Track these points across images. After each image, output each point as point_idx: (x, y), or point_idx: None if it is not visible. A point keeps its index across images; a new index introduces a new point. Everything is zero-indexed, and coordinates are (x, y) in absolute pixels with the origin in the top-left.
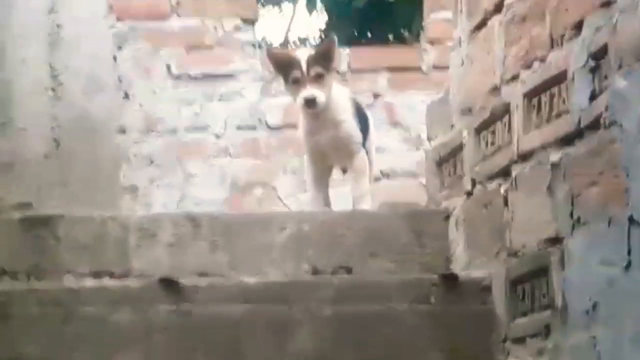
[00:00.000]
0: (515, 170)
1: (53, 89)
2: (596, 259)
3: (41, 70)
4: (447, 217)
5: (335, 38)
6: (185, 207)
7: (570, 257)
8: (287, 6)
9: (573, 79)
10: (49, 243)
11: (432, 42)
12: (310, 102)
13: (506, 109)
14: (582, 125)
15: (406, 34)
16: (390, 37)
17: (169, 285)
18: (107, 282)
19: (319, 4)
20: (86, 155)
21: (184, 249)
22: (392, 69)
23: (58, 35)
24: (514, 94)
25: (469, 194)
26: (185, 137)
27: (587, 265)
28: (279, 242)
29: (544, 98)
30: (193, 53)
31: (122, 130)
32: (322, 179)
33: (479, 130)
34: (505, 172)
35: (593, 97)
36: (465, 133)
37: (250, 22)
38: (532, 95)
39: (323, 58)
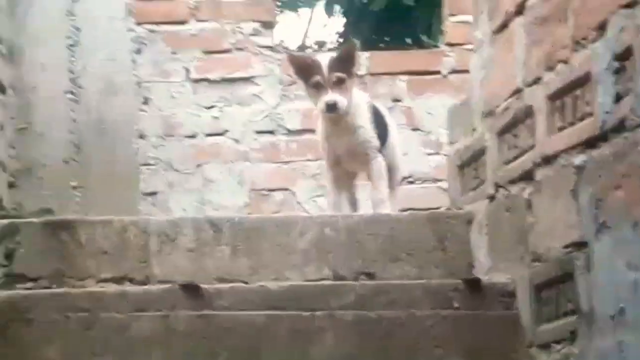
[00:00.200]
0: (538, 174)
1: (72, 93)
2: (622, 263)
3: (60, 74)
4: (470, 222)
5: (357, 42)
6: (204, 212)
7: (595, 261)
8: (305, 11)
9: (597, 80)
10: (70, 248)
11: (451, 46)
12: (331, 107)
13: (529, 112)
14: (606, 128)
15: (424, 37)
16: (409, 41)
17: (190, 290)
18: (128, 287)
19: (336, 8)
20: (105, 159)
21: (205, 254)
22: (411, 73)
23: (77, 38)
24: (536, 96)
25: (492, 198)
26: (204, 141)
27: (612, 269)
28: (300, 246)
29: (568, 100)
30: (212, 57)
31: (141, 135)
32: (341, 183)
33: (501, 134)
34: (528, 176)
35: (617, 99)
36: (487, 136)
37: (269, 25)
38: (555, 97)
39: (344, 62)
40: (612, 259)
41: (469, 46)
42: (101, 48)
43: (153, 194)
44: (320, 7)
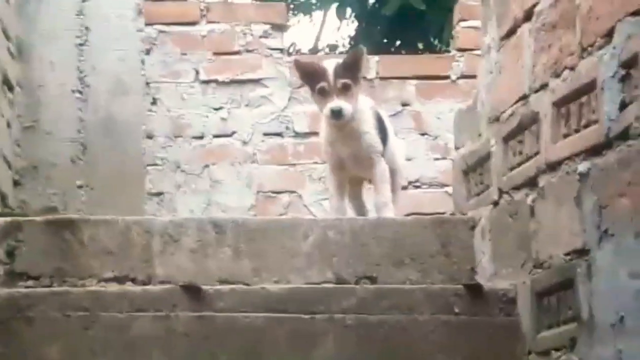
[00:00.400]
0: (542, 181)
1: (80, 92)
2: (623, 272)
3: (68, 72)
4: (473, 227)
5: (364, 48)
6: (211, 214)
7: (597, 269)
8: (317, 14)
9: (603, 88)
10: (73, 247)
11: (461, 51)
12: (336, 114)
13: (535, 118)
14: (611, 136)
15: (436, 42)
16: (421, 45)
17: (191, 291)
18: (129, 287)
19: (348, 12)
20: (112, 159)
21: (207, 255)
22: (420, 78)
23: (86, 37)
24: (542, 102)
25: (496, 203)
26: (212, 142)
27: (614, 277)
28: (303, 249)
29: (573, 107)
30: (221, 58)
31: (150, 135)
32: (345, 188)
33: (507, 139)
34: (532, 182)
35: (623, 106)
36: (493, 142)
37: (279, 28)
38: (561, 104)
39: (350, 68)
40: (614, 267)
41: (479, 51)
42: (110, 48)
43: (160, 194)
44: (333, 11)
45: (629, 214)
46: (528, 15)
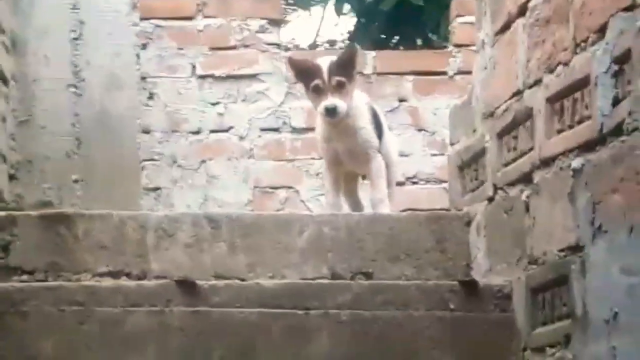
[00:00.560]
0: (537, 177)
1: (75, 86)
2: (617, 268)
3: (63, 66)
4: (469, 223)
5: (358, 46)
6: (208, 209)
7: (590, 265)
8: (316, 10)
9: (596, 83)
10: (67, 241)
11: (458, 47)
12: (331, 112)
13: (529, 114)
14: (604, 131)
15: (434, 38)
16: (419, 41)
17: (186, 286)
18: (124, 282)
19: (346, 7)
20: (107, 153)
21: (202, 250)
22: (417, 73)
23: (81, 32)
24: (536, 98)
25: (491, 199)
26: (209, 137)
27: (607, 274)
28: (298, 244)
29: (567, 103)
30: (218, 53)
31: (146, 130)
32: (340, 184)
33: (501, 135)
34: (527, 178)
35: (616, 102)
36: (487, 137)
37: (276, 22)
38: (554, 100)
39: (345, 66)
40: (607, 264)
41: (476, 47)
42: (105, 42)
43: (157, 189)
44: (332, 6)
45: (622, 210)
46: (522, 11)
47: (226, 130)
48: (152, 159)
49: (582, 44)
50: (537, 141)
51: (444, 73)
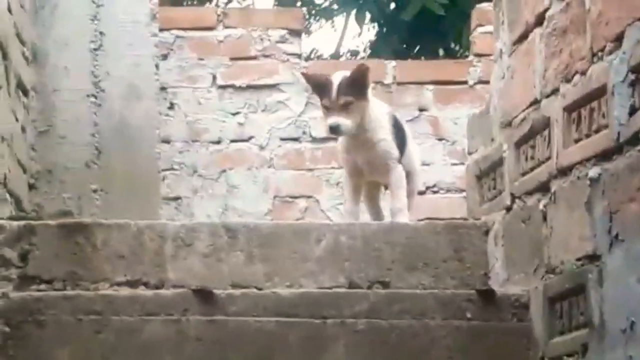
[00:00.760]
0: (554, 186)
1: (94, 97)
2: (634, 277)
3: (83, 77)
4: (487, 232)
5: (368, 65)
6: (228, 219)
7: (607, 274)
8: (339, 20)
9: (613, 93)
10: (86, 251)
11: (478, 56)
12: (334, 130)
13: (546, 123)
14: (621, 141)
15: (456, 47)
16: (440, 50)
17: (203, 296)
18: (141, 291)
19: (368, 17)
20: (126, 163)
21: (220, 260)
22: (438, 83)
23: (100, 42)
24: (554, 107)
25: (509, 209)
26: (229, 147)
27: (624, 283)
28: (316, 254)
29: (584, 112)
30: (238, 63)
31: (167, 140)
32: (359, 193)
33: (518, 144)
34: (544, 187)
35: (633, 111)
36: (505, 147)
37: (297, 33)
38: (572, 109)
39: (355, 84)
40: (624, 273)
41: (493, 57)
42: (125, 53)
43: (177, 199)
44: (354, 16)
45: (639, 219)
46: (539, 20)
47: (246, 140)
48: (173, 169)
49: (599, 54)
50: (554, 150)
51: (465, 82)
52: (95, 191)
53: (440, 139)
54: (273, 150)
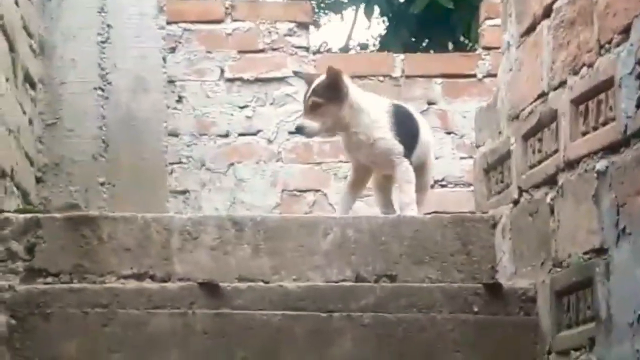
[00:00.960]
0: (561, 179)
1: (102, 89)
2: None
3: (90, 70)
4: (494, 226)
5: (340, 70)
6: (236, 212)
7: (614, 268)
8: (349, 13)
9: (620, 85)
10: (92, 244)
11: (487, 49)
12: (298, 130)
13: (553, 116)
14: (628, 133)
15: (466, 41)
16: (450, 44)
17: (209, 289)
18: (147, 284)
19: (377, 11)
20: (133, 156)
21: (227, 253)
22: (446, 76)
23: (107, 35)
24: (561, 100)
25: (516, 202)
26: (237, 141)
27: (631, 276)
28: (322, 247)
29: (591, 105)
30: (246, 56)
31: (175, 133)
32: (357, 186)
33: (526, 137)
34: (552, 181)
35: None
36: (512, 140)
37: (305, 26)
38: (579, 102)
39: (327, 88)
40: (631, 266)
41: (501, 49)
42: (132, 45)
43: (185, 192)
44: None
45: None
46: (547, 12)
47: (254, 134)
48: (181, 162)
49: (607, 46)
50: (561, 143)
51: (473, 76)
52: (102, 184)
53: (448, 133)
54: (281, 143)
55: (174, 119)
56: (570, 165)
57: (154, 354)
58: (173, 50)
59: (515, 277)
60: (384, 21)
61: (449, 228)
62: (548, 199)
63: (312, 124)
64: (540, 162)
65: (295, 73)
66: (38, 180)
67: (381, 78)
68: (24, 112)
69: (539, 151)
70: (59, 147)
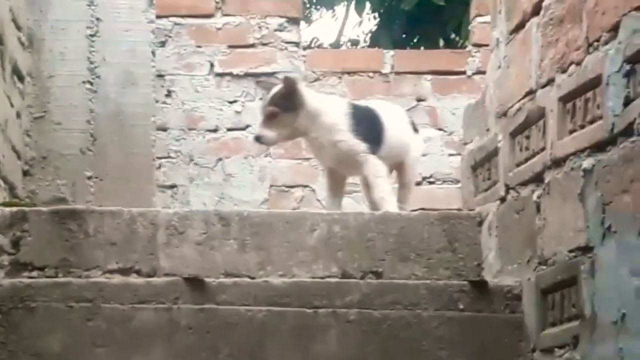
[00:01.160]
0: (548, 177)
1: (90, 83)
2: (626, 269)
3: (78, 63)
4: (480, 223)
5: (297, 77)
6: (224, 207)
7: (599, 266)
8: (340, 9)
9: (607, 83)
10: (78, 238)
11: (477, 46)
12: (256, 139)
13: (541, 114)
14: (615, 132)
15: (457, 38)
16: (441, 41)
17: (195, 284)
18: (132, 279)
19: (368, 6)
20: (121, 150)
21: (213, 248)
22: (436, 73)
23: (97, 29)
24: (549, 98)
25: (503, 199)
26: (226, 135)
27: (616, 275)
28: (309, 243)
29: (579, 103)
30: (236, 51)
31: (164, 128)
32: (336, 189)
33: (514, 135)
34: (538, 178)
35: (627, 102)
36: (500, 137)
37: (295, 21)
38: (567, 99)
39: (284, 97)
40: (616, 265)
41: (490, 46)
42: (121, 39)
43: (173, 186)
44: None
45: (632, 210)
46: (536, 10)
47: (243, 129)
48: (169, 157)
49: (595, 44)
50: (549, 141)
51: (463, 73)
52: (89, 178)
53: (437, 129)
54: None
55: (162, 113)
56: (557, 163)
57: (138, 349)
58: (163, 44)
59: (501, 275)
60: (375, 17)
61: (436, 225)
62: (534, 197)
63: (270, 133)
64: (527, 159)
65: (258, 82)
66: (25, 173)
67: (371, 74)
68: (12, 105)
69: (526, 149)
70: (46, 140)
